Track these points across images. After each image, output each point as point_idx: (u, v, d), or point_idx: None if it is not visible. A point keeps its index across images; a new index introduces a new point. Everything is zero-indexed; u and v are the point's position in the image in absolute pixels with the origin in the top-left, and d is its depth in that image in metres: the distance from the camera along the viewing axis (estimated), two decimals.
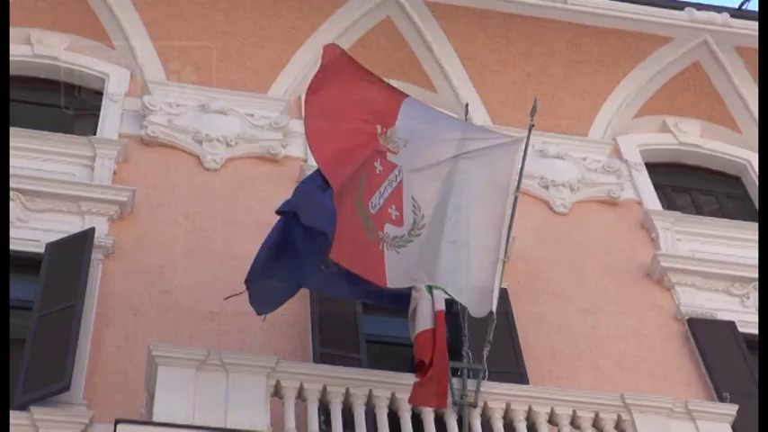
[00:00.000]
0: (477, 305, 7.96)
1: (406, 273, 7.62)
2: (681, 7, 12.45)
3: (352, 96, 7.96)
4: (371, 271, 7.46)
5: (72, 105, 11.23)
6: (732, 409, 8.16)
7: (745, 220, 11.53)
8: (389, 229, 7.65)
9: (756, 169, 12.20)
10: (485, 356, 7.85)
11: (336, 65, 8.03)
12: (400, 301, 8.24)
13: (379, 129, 7.99)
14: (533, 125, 8.42)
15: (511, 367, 8.80)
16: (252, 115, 11.07)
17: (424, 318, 7.71)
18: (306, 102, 7.73)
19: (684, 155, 12.48)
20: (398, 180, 7.90)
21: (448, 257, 7.78)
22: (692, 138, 12.51)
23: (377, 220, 7.61)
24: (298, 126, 11.19)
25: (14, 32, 11.09)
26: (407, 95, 8.42)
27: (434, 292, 7.82)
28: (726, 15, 12.46)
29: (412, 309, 7.91)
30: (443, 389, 7.48)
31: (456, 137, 8.23)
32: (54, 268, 8.66)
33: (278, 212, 7.87)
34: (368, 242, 7.49)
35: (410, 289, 7.92)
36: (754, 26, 12.36)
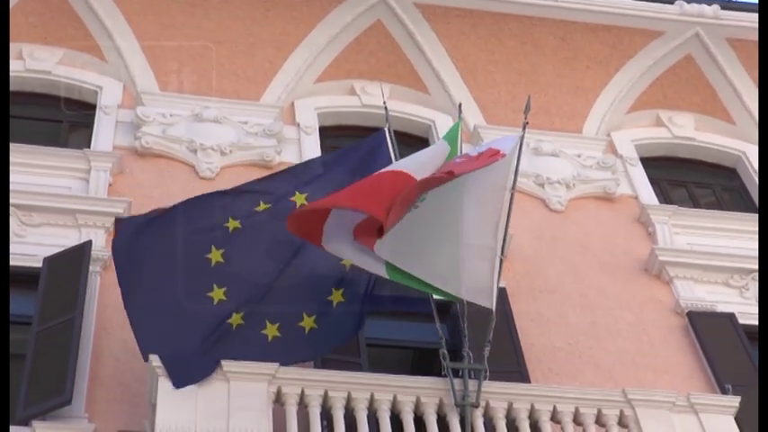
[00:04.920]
0: (475, 297, 7.93)
1: (393, 243, 7.55)
2: (671, 1, 12.48)
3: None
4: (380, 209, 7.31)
5: (65, 119, 11.24)
6: (735, 401, 8.15)
7: (742, 211, 11.55)
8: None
9: (752, 160, 12.21)
10: (485, 356, 7.83)
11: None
12: (400, 304, 8.26)
13: None
14: (527, 123, 8.43)
15: (512, 366, 8.79)
16: (245, 123, 11.08)
17: None
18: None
19: (679, 148, 12.49)
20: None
21: (445, 256, 7.77)
22: (687, 131, 12.52)
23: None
24: (291, 132, 11.26)
25: None
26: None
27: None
28: (716, 7, 12.47)
29: None
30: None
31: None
32: (52, 282, 8.66)
33: None
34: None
35: (409, 290, 7.95)
36: (744, 17, 12.39)
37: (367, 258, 7.76)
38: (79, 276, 8.66)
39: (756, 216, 11.12)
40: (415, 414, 7.63)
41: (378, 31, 12.03)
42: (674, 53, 12.50)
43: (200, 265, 7.80)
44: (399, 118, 11.40)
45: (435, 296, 8.00)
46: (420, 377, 7.86)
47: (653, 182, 11.75)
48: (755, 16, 12.08)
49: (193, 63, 11.57)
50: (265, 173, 10.61)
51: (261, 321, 7.81)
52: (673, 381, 9.17)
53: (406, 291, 8.06)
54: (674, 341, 9.74)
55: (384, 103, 9.53)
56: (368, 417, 7.52)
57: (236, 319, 7.77)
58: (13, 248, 8.96)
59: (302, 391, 7.51)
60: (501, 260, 7.90)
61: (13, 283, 8.49)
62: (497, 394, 7.78)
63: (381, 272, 7.78)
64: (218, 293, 7.79)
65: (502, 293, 9.00)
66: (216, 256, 7.83)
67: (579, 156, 11.63)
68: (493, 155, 7.89)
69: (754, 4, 12.45)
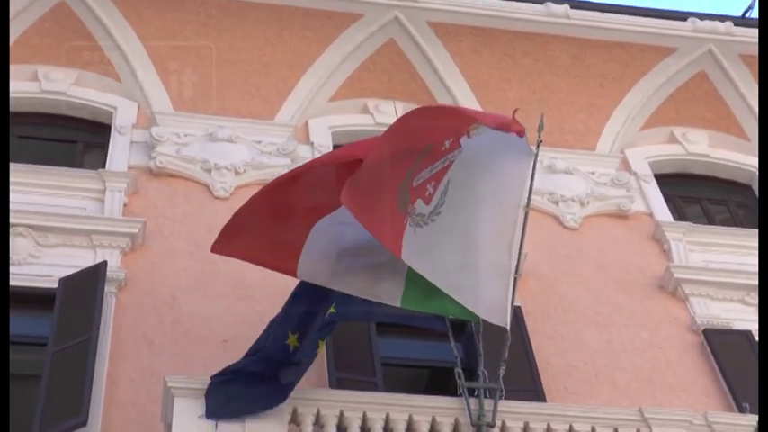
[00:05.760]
0: (491, 316, 7.90)
1: (418, 254, 7.53)
2: (684, 17, 12.47)
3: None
4: (388, 238, 7.32)
5: (80, 139, 11.30)
6: (753, 420, 8.08)
7: (757, 228, 11.49)
8: (418, 205, 7.60)
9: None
10: (501, 375, 7.80)
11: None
12: (415, 320, 8.22)
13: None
14: (541, 141, 8.42)
15: (527, 385, 8.76)
16: (259, 142, 11.11)
17: None
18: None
19: (693, 165, 12.46)
20: (450, 161, 7.76)
21: (463, 272, 7.75)
22: (701, 147, 12.49)
23: (413, 193, 7.54)
24: (305, 151, 11.28)
25: (21, 69, 11.18)
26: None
27: None
28: (729, 24, 12.47)
29: None
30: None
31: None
32: (67, 303, 8.67)
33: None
34: (396, 213, 7.41)
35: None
36: (757, 34, 12.35)
37: (373, 287, 7.71)
38: (95, 297, 8.68)
39: None
40: None
41: (391, 50, 12.07)
42: (687, 70, 12.49)
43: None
44: None
45: (450, 316, 7.97)
46: (435, 396, 7.84)
47: (667, 199, 11.72)
48: None
49: (207, 83, 11.61)
50: None
51: (314, 342, 7.77)
52: (689, 399, 9.12)
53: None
54: (691, 359, 9.69)
55: None
56: None
57: (292, 340, 7.73)
58: (28, 269, 9.04)
59: (318, 411, 7.50)
60: (515, 278, 7.87)
61: (28, 304, 8.56)
62: (513, 413, 7.75)
63: (394, 300, 7.71)
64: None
65: (517, 312, 8.97)
66: (293, 340, 7.79)
67: (593, 173, 11.62)
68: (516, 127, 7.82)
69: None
